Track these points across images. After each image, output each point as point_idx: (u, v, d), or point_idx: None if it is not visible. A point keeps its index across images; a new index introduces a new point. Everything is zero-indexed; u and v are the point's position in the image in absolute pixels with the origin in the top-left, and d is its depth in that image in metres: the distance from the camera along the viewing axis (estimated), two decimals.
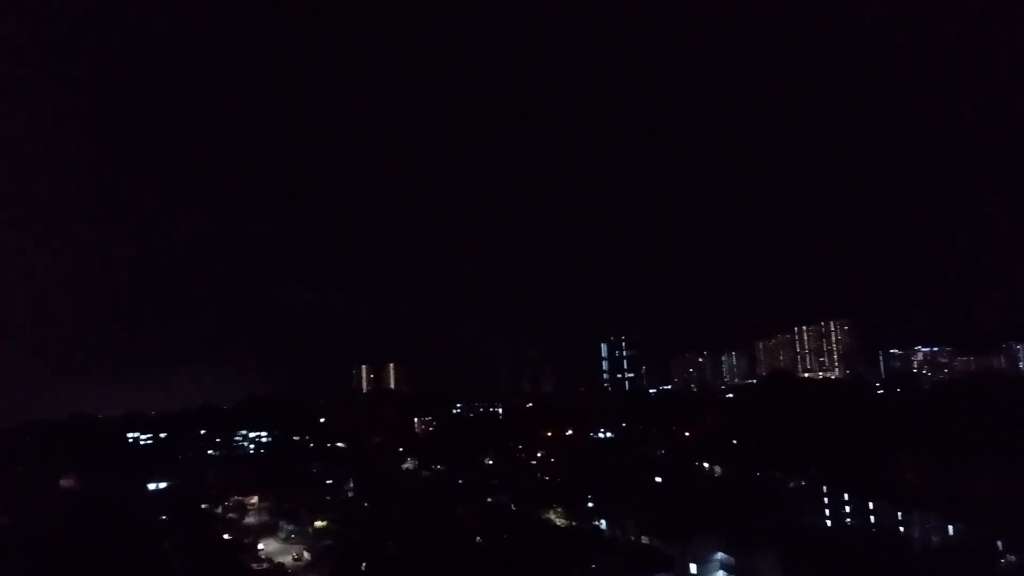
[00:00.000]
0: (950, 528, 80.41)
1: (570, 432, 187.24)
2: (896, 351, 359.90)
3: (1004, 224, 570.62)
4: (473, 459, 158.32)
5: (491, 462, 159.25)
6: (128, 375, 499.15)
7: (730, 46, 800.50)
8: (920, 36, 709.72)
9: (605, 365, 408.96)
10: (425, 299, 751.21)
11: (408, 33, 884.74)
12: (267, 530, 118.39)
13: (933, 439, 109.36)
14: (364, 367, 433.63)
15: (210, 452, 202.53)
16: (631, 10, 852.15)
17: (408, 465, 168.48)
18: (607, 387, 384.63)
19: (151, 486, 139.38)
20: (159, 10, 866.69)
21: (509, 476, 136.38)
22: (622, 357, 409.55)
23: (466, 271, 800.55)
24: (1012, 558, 70.67)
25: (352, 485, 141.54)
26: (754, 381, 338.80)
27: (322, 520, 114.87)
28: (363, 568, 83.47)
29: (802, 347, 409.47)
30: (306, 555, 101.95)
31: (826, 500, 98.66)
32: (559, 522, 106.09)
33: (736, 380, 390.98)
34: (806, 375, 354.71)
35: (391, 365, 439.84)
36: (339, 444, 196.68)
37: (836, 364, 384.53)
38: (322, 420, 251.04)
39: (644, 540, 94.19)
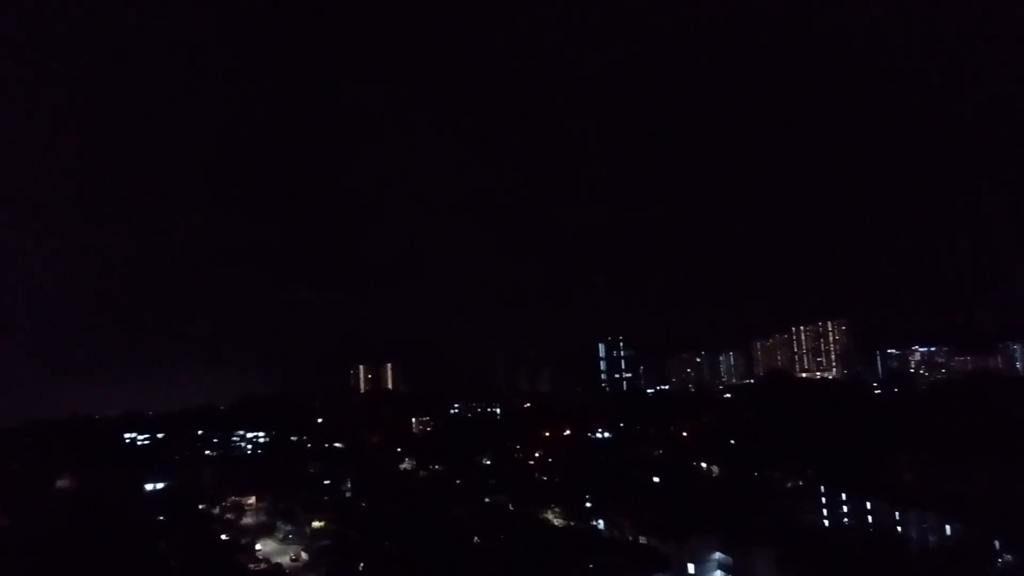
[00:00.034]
0: (947, 527, 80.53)
1: (568, 432, 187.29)
2: (893, 351, 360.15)
3: (1002, 224, 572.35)
4: (471, 459, 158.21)
5: (489, 462, 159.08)
6: (127, 375, 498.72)
7: (730, 46, 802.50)
8: (920, 36, 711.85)
9: (603, 365, 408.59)
10: (424, 299, 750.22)
11: (408, 33, 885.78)
12: (265, 530, 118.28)
13: (930, 439, 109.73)
14: (362, 367, 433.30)
15: (207, 452, 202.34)
16: (631, 10, 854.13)
17: (406, 465, 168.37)
18: (605, 387, 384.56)
19: (149, 486, 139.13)
20: (159, 10, 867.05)
21: (507, 476, 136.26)
22: (620, 357, 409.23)
23: (465, 271, 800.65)
24: (1009, 557, 70.80)
25: (350, 485, 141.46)
26: (752, 381, 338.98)
27: (320, 520, 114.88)
28: (361, 568, 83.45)
29: (800, 347, 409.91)
30: (304, 555, 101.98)
31: (823, 500, 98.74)
32: (557, 522, 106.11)
33: (734, 380, 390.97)
34: (804, 375, 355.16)
35: (389, 365, 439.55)
36: (337, 444, 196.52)
37: (833, 364, 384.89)
38: (320, 420, 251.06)
39: (642, 540, 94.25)
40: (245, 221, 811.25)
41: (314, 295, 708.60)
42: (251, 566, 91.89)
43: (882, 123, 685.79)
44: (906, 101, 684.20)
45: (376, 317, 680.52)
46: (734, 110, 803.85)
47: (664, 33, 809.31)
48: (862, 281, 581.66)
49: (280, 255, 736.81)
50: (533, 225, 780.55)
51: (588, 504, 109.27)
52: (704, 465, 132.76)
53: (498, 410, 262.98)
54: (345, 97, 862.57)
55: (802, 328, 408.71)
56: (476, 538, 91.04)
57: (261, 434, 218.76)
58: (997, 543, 72.11)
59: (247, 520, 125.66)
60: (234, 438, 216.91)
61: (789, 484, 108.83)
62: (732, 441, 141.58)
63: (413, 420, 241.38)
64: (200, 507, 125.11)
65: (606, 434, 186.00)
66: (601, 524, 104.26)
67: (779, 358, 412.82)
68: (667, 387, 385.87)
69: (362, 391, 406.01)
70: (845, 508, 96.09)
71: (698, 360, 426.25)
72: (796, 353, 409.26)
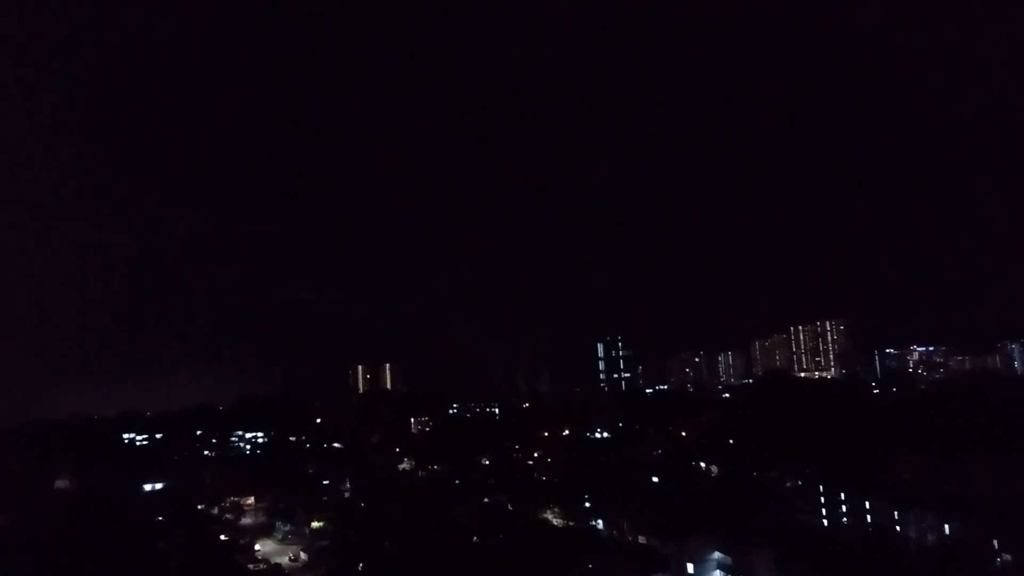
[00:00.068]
0: (946, 527, 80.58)
1: (567, 432, 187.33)
2: (892, 351, 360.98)
3: (1001, 224, 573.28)
4: (470, 459, 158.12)
5: (488, 462, 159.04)
6: (127, 375, 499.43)
7: (730, 46, 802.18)
8: (920, 36, 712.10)
9: (602, 365, 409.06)
10: (424, 299, 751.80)
11: (408, 33, 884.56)
12: (264, 530, 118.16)
13: (929, 439, 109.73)
14: (361, 367, 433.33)
15: (206, 452, 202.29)
16: (631, 10, 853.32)
17: (405, 465, 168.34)
18: (604, 387, 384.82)
19: (148, 486, 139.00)
20: (159, 10, 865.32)
21: (506, 476, 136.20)
22: (619, 357, 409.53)
23: (465, 271, 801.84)
24: (1008, 557, 70.86)
25: (349, 485, 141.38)
26: (750, 381, 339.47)
27: (319, 520, 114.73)
28: (360, 568, 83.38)
29: (798, 347, 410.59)
30: (303, 555, 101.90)
31: (822, 499, 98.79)
32: (556, 522, 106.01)
33: (732, 380, 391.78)
34: (802, 375, 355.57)
35: (388, 365, 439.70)
36: (336, 444, 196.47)
37: (832, 364, 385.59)
38: (319, 420, 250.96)
39: (641, 540, 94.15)
40: (245, 221, 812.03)
41: (314, 295, 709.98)
42: (250, 566, 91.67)
43: (882, 123, 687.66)
44: (906, 101, 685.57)
45: (375, 317, 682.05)
46: (734, 110, 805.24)
47: (664, 33, 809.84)
48: (861, 281, 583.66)
49: (280, 255, 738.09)
50: (533, 225, 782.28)
51: (587, 504, 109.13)
52: (703, 465, 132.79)
53: (497, 410, 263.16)
54: (345, 97, 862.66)
55: (801, 328, 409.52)
56: (475, 538, 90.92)
57: (260, 434, 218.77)
58: (996, 543, 72.17)
59: (246, 520, 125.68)
60: (233, 438, 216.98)
61: (788, 484, 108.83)
62: (731, 441, 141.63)
63: (412, 420, 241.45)
64: (199, 507, 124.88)
65: (605, 434, 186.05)
66: (600, 524, 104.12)
67: (778, 358, 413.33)
68: (666, 387, 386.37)
69: (361, 391, 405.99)
70: (844, 508, 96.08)
71: (697, 360, 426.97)
72: (795, 353, 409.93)
